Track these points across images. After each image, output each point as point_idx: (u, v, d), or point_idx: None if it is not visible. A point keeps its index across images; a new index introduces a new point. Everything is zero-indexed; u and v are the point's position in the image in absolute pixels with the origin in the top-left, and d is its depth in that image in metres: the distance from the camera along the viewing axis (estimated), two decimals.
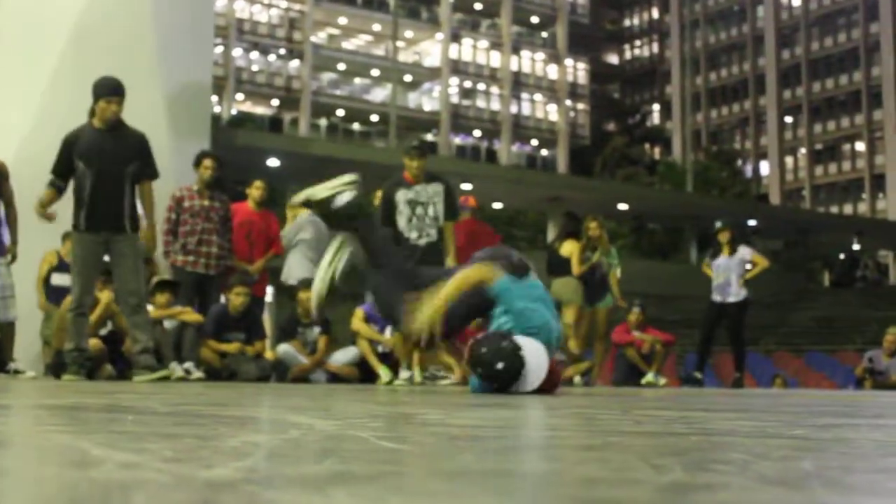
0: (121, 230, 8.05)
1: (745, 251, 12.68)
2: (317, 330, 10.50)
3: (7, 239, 8.85)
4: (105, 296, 9.18)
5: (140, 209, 8.32)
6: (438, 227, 8.90)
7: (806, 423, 2.67)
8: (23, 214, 9.10)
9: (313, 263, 11.19)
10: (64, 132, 9.49)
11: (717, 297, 12.60)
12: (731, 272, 12.54)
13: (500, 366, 5.18)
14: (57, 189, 8.10)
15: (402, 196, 8.88)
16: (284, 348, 10.37)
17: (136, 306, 8.17)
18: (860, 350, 15.48)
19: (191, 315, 9.54)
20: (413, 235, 8.80)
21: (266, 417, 2.69)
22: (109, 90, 8.15)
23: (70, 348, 8.11)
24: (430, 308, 5.66)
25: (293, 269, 10.97)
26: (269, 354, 10.33)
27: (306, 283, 10.64)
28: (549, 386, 5.51)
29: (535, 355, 5.31)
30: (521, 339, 5.34)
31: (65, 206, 8.94)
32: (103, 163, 8.01)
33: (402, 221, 8.83)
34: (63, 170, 8.07)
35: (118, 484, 1.04)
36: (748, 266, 12.65)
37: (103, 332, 9.24)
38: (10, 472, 1.23)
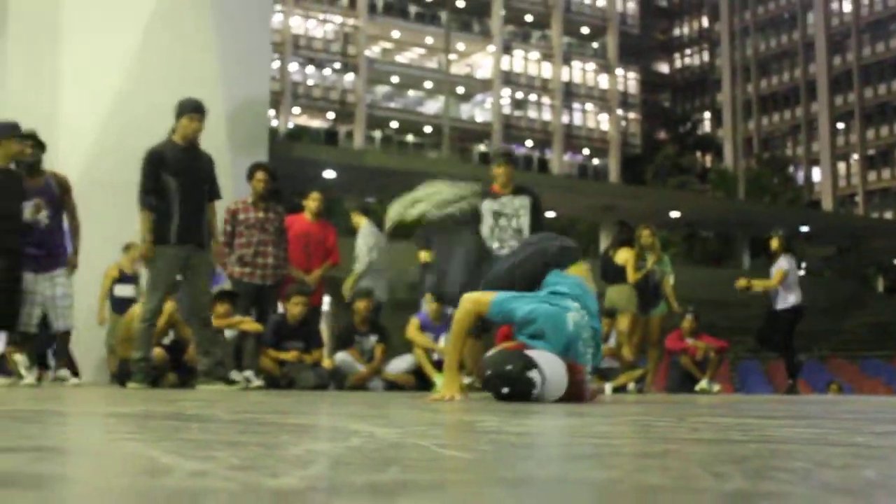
0: (202, 245, 8.32)
1: (782, 261, 12.50)
2: (373, 338, 10.55)
3: (70, 249, 8.99)
4: (168, 306, 9.26)
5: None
6: (520, 238, 8.84)
7: (865, 431, 2.63)
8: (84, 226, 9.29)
9: (380, 276, 11.32)
10: (130, 148, 9.64)
11: (771, 304, 12.49)
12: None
13: (505, 390, 4.80)
14: (154, 210, 8.19)
15: (487, 206, 8.82)
16: (342, 356, 10.42)
17: (206, 318, 8.43)
18: None
19: (250, 324, 9.61)
20: (494, 245, 8.77)
21: (327, 425, 2.70)
22: (193, 108, 8.38)
23: (138, 357, 8.25)
24: (448, 376, 5.43)
25: (380, 287, 11.19)
26: (326, 363, 10.38)
27: (362, 294, 10.70)
28: (576, 394, 5.14)
29: (549, 368, 4.88)
30: (532, 354, 4.92)
31: (123, 219, 9.07)
32: (189, 179, 8.23)
33: (485, 230, 8.81)
34: (154, 186, 8.19)
35: (189, 492, 1.05)
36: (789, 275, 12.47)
37: (166, 341, 9.33)
38: (83, 480, 1.24)
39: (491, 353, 5.23)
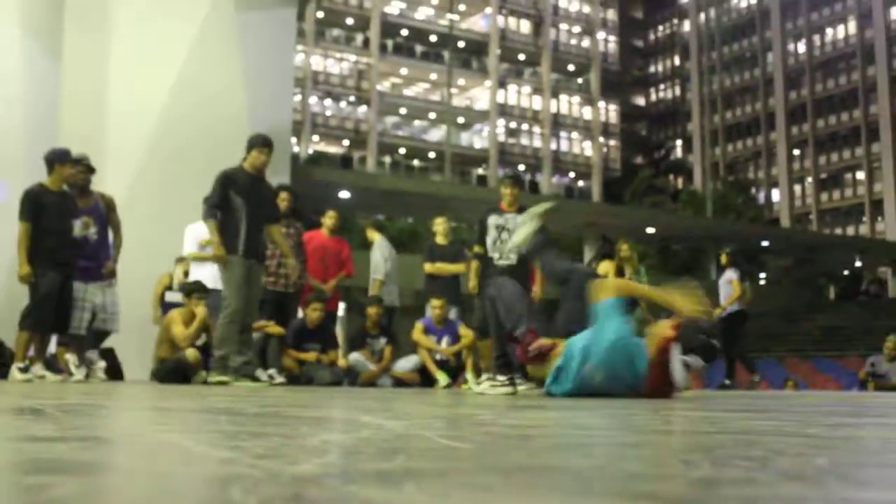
0: (260, 261, 8.51)
1: (731, 273, 12.80)
2: (383, 340, 10.54)
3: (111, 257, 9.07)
4: (200, 310, 9.26)
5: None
6: (519, 254, 8.83)
7: (818, 423, 2.63)
8: (130, 239, 9.36)
9: (393, 284, 11.34)
10: (169, 172, 9.63)
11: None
12: (720, 289, 12.88)
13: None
14: (217, 221, 8.31)
15: (493, 221, 8.83)
16: (355, 356, 10.41)
17: (250, 325, 8.50)
18: (863, 356, 15.20)
19: (274, 328, 9.60)
20: (495, 256, 8.78)
21: (341, 418, 2.70)
22: (263, 142, 8.56)
23: (221, 354, 8.22)
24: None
25: (393, 294, 11.20)
26: (341, 362, 10.37)
27: (373, 301, 10.70)
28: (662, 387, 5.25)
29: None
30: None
31: (163, 234, 9.08)
32: (254, 202, 8.36)
33: (489, 243, 8.82)
34: (220, 202, 8.31)
35: (219, 478, 1.05)
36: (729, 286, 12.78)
37: (200, 342, 9.32)
38: (123, 467, 1.24)
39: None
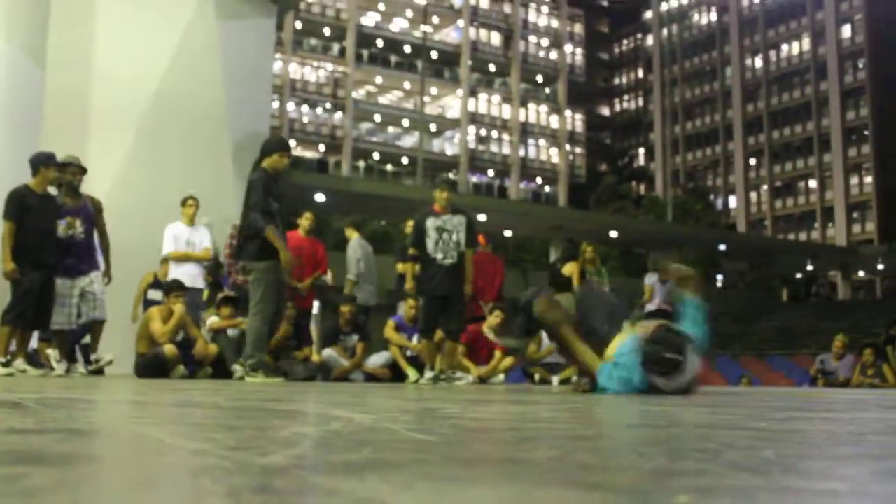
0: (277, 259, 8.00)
1: (649, 278, 13.38)
2: (355, 337, 10.51)
3: (101, 260, 9.02)
4: (178, 308, 9.20)
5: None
6: (460, 251, 8.91)
7: (768, 417, 2.65)
8: (112, 239, 9.29)
9: (367, 281, 11.29)
10: (149, 179, 9.54)
11: None
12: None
13: (667, 354, 4.91)
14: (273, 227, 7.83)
15: (431, 223, 8.91)
16: (328, 352, 10.37)
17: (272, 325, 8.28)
18: (813, 354, 15.37)
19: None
20: (439, 256, 8.82)
21: (313, 412, 2.69)
22: (284, 146, 8.31)
23: (255, 358, 7.81)
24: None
25: (367, 293, 11.15)
26: (315, 357, 10.33)
27: (346, 299, 10.67)
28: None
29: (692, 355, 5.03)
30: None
31: (139, 238, 9.01)
32: (281, 205, 8.05)
33: (430, 244, 8.85)
34: (268, 208, 7.80)
35: (189, 468, 1.04)
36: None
37: (178, 338, 9.26)
38: (98, 457, 1.23)
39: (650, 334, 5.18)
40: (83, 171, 8.89)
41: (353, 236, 11.49)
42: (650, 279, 13.39)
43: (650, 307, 12.93)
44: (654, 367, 4.98)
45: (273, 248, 7.80)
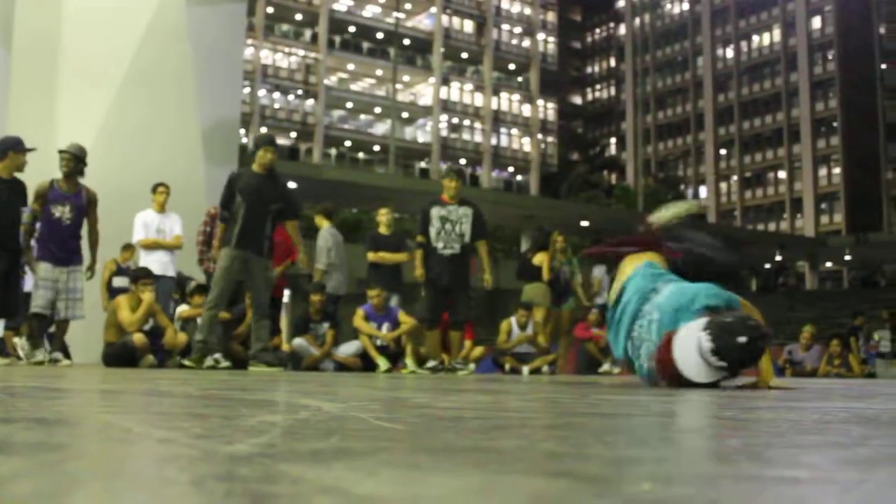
0: (260, 253, 8.41)
1: (596, 270, 13.38)
2: (325, 325, 10.49)
3: (85, 253, 8.90)
4: (147, 296, 9.14)
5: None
6: (462, 242, 8.91)
7: (735, 406, 2.68)
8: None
9: (338, 270, 11.24)
10: (118, 163, 9.48)
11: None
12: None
13: (742, 339, 4.04)
14: (227, 222, 8.44)
15: (436, 212, 8.92)
16: (298, 341, 10.35)
17: (261, 316, 8.50)
18: (781, 344, 15.53)
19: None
20: (440, 245, 8.84)
21: (281, 400, 2.68)
22: (267, 141, 8.66)
23: (198, 338, 8.40)
24: None
25: (337, 282, 11.11)
26: (285, 347, 10.30)
27: (316, 288, 10.64)
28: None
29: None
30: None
31: (113, 221, 8.94)
32: (254, 198, 8.36)
33: (432, 233, 8.88)
34: (229, 202, 8.42)
35: (155, 457, 1.04)
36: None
37: (147, 327, 9.19)
38: (65, 446, 1.22)
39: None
40: (79, 160, 8.80)
41: (324, 225, 11.44)
42: (598, 271, 13.40)
43: (599, 301, 12.94)
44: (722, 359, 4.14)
45: (228, 236, 8.34)
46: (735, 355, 4.15)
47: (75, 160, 8.74)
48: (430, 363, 9.26)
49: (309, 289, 10.77)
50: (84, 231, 8.87)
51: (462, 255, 8.90)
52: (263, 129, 57.89)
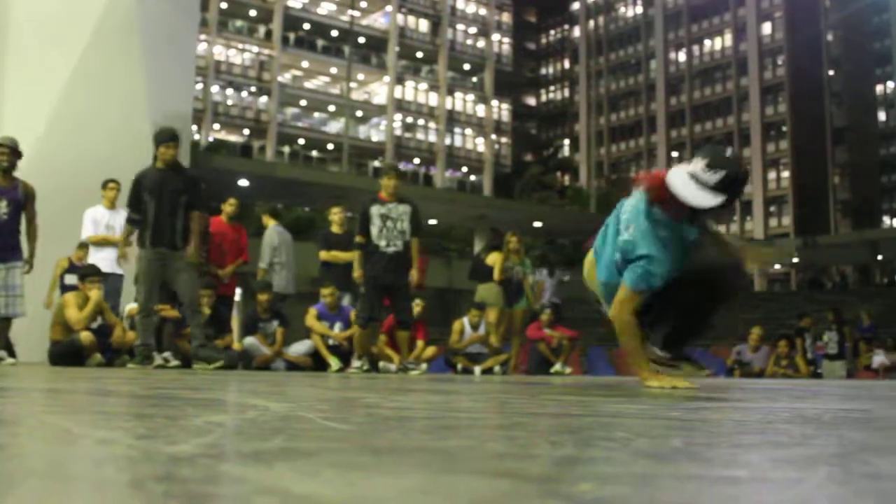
0: (175, 247, 8.35)
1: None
2: (275, 323, 10.44)
3: (25, 250, 8.73)
4: (94, 294, 9.01)
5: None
6: (404, 239, 8.89)
7: (681, 406, 2.71)
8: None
9: (286, 270, 11.19)
10: (65, 158, 9.32)
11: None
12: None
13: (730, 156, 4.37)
14: (134, 223, 8.42)
15: (375, 211, 8.89)
16: (249, 340, 10.28)
17: (193, 312, 8.49)
18: (730, 345, 15.74)
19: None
20: (382, 244, 8.81)
21: (229, 400, 2.66)
22: (168, 137, 8.49)
23: (138, 343, 8.43)
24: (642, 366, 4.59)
25: (284, 280, 11.05)
26: (236, 346, 10.22)
27: (261, 286, 10.58)
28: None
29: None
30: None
31: (56, 222, 8.81)
32: (163, 195, 8.31)
33: (374, 231, 8.84)
34: (136, 203, 8.38)
35: (93, 458, 1.03)
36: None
37: (94, 325, 9.06)
38: (2, 447, 1.20)
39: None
40: (18, 155, 8.66)
41: (270, 224, 11.42)
42: (540, 274, 13.55)
43: (543, 302, 13.10)
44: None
45: (142, 237, 8.35)
46: (728, 166, 4.27)
47: (13, 153, 8.59)
48: (356, 363, 9.23)
49: (255, 287, 10.71)
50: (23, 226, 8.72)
51: (405, 252, 8.91)
52: (216, 126, 57.36)
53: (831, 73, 68.86)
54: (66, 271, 10.91)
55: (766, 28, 68.46)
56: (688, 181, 4.28)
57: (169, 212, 8.33)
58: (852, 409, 2.84)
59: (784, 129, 66.30)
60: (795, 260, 53.73)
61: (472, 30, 69.64)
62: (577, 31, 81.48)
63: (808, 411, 2.55)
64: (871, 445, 1.46)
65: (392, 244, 8.82)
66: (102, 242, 10.31)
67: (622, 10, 78.84)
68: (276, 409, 2.04)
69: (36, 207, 8.80)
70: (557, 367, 12.41)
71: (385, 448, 1.21)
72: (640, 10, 76.93)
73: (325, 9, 63.54)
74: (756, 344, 14.47)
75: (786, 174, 66.01)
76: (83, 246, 10.68)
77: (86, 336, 8.81)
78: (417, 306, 10.74)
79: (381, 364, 10.29)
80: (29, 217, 8.74)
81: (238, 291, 11.34)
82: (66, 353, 8.75)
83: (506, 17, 72.71)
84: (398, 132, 64.58)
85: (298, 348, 10.52)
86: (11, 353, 9.13)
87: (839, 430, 1.79)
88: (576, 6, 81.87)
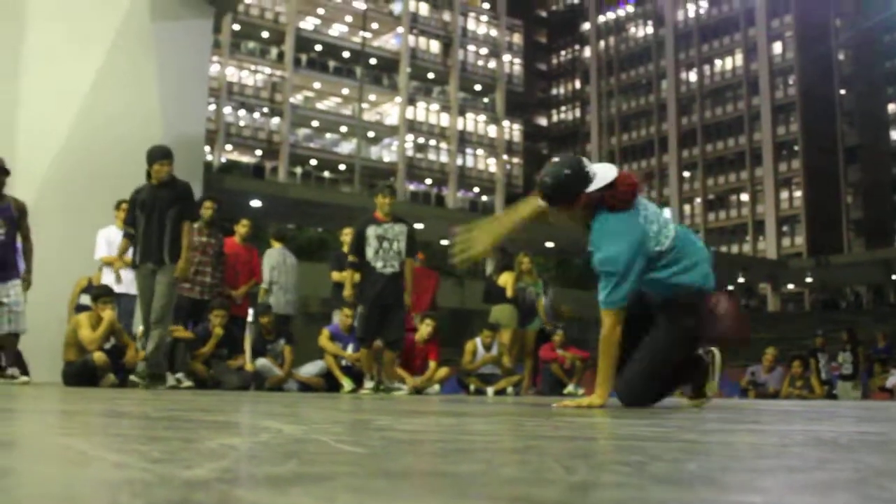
0: (160, 262, 8.33)
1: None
2: (281, 342, 10.47)
3: (22, 266, 8.78)
4: (107, 314, 9.03)
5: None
6: (400, 260, 8.89)
7: (696, 429, 2.69)
8: (43, 242, 9.10)
9: (284, 292, 11.23)
10: (80, 177, 9.34)
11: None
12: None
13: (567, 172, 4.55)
14: (130, 237, 8.49)
15: (371, 231, 8.89)
16: (262, 361, 10.29)
17: (156, 323, 8.33)
18: (744, 366, 15.68)
19: (183, 332, 9.42)
20: (378, 265, 8.80)
21: (243, 422, 2.66)
22: (161, 155, 8.43)
23: (147, 358, 8.35)
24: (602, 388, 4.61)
25: (282, 301, 11.11)
26: (248, 367, 10.23)
27: (261, 309, 10.64)
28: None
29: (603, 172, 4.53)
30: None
31: (70, 239, 8.85)
32: (153, 212, 8.33)
33: (370, 252, 8.83)
34: (131, 219, 8.47)
35: (109, 482, 1.03)
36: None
37: (107, 346, 9.08)
38: (15, 470, 1.20)
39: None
40: (6, 172, 8.68)
41: (276, 246, 11.53)
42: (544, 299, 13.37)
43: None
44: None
45: (134, 256, 8.43)
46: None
47: (1, 172, 8.63)
48: (369, 384, 9.17)
49: (256, 311, 10.79)
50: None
51: (400, 273, 8.90)
52: (229, 147, 57.60)
53: (843, 91, 68.77)
54: (83, 291, 10.97)
55: (777, 47, 68.50)
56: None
57: (157, 228, 8.34)
58: (868, 431, 2.82)
59: (796, 148, 66.20)
60: (809, 279, 53.51)
61: (483, 51, 69.89)
62: (587, 52, 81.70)
63: (823, 434, 2.53)
64: (888, 470, 1.45)
65: (389, 265, 8.82)
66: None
67: (633, 30, 79.05)
68: (289, 431, 2.04)
69: (29, 223, 8.86)
70: (571, 387, 12.36)
71: (399, 472, 1.21)
72: (650, 30, 77.11)
73: (336, 30, 63.91)
74: (770, 364, 14.39)
75: (798, 193, 65.85)
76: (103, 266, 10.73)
77: (99, 357, 8.82)
78: (429, 326, 10.73)
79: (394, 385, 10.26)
80: (24, 234, 8.79)
81: (251, 312, 11.36)
82: (79, 374, 8.76)
83: (516, 38, 72.97)
84: (410, 153, 64.75)
85: (311, 369, 10.52)
86: (25, 372, 9.16)
87: (856, 454, 1.77)
88: (586, 27, 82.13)
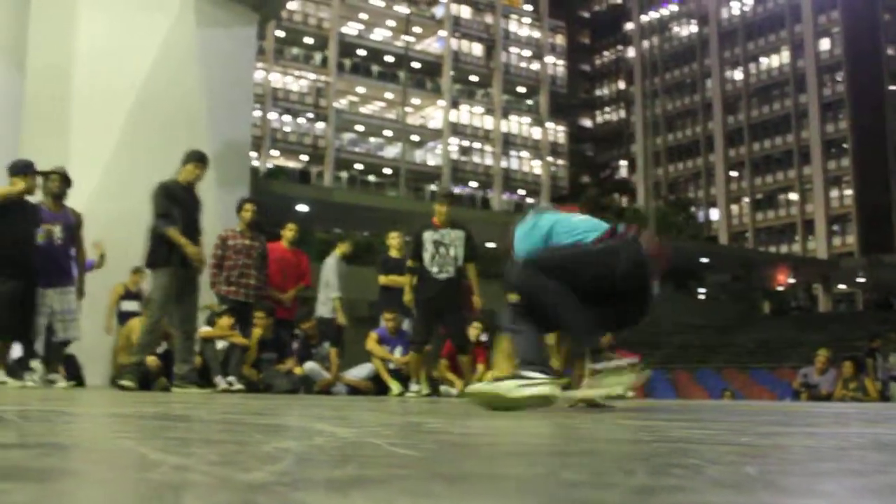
0: (191, 268, 8.27)
1: None
2: (326, 344, 10.54)
3: (76, 274, 8.91)
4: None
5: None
6: (456, 265, 8.89)
7: (751, 432, 2.66)
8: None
9: (331, 300, 11.32)
10: (130, 187, 9.45)
11: None
12: None
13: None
14: (177, 223, 8.23)
15: (428, 237, 8.89)
16: (310, 365, 10.36)
17: (190, 331, 8.38)
18: (795, 367, 15.44)
19: (238, 338, 9.50)
20: (434, 270, 8.81)
21: (295, 425, 2.68)
22: (199, 157, 8.50)
23: (186, 369, 8.27)
24: None
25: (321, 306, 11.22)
26: (297, 370, 10.30)
27: (301, 317, 10.72)
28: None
29: None
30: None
31: (120, 248, 9.00)
32: (188, 213, 8.30)
33: (426, 257, 8.85)
34: (168, 212, 8.22)
35: (171, 485, 1.04)
36: None
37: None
38: (79, 473, 1.22)
39: None
40: (67, 181, 8.86)
41: (332, 255, 11.71)
42: None
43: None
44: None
45: (165, 254, 8.12)
46: None
47: (64, 181, 8.79)
48: (414, 387, 9.19)
49: (297, 318, 10.89)
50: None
51: (456, 278, 8.89)
52: (275, 153, 58.09)
53: (892, 87, 67.54)
54: (121, 297, 11.11)
55: (824, 44, 67.51)
56: None
57: (192, 231, 8.28)
58: None
59: (845, 145, 65.16)
60: (861, 279, 52.63)
61: (526, 53, 69.80)
62: (631, 52, 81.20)
63: (883, 437, 2.49)
64: None
65: (444, 270, 8.82)
66: None
67: (676, 29, 78.41)
68: (342, 434, 2.05)
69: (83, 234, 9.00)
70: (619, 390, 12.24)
71: (456, 475, 1.21)
72: (694, 28, 76.43)
73: (379, 35, 64.22)
74: (823, 366, 14.16)
75: (848, 192, 64.81)
76: (137, 270, 10.87)
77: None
78: (476, 329, 10.72)
79: (443, 388, 10.28)
80: (78, 244, 8.93)
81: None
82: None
83: (559, 40, 72.78)
84: (454, 156, 64.85)
85: (359, 372, 10.57)
86: (77, 377, 9.29)
87: None
88: (630, 27, 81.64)
